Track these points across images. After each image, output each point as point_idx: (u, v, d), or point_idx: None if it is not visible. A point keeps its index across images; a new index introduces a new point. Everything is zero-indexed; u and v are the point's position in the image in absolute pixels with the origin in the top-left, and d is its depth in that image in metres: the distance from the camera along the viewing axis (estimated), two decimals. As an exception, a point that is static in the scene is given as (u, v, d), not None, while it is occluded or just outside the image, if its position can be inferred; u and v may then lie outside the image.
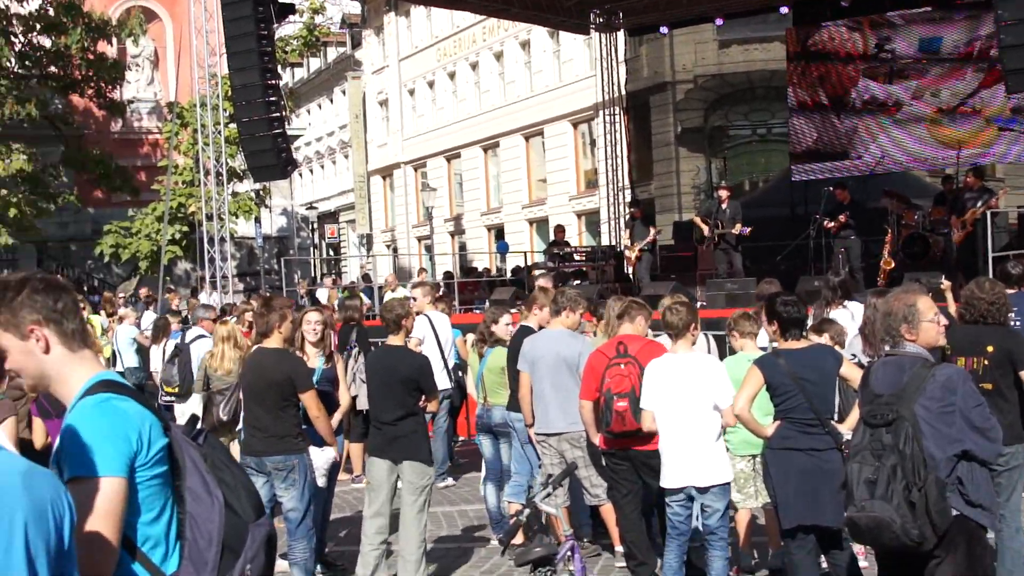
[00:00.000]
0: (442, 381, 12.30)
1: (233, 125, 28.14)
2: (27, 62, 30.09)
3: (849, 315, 10.74)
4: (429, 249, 46.07)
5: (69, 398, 3.35)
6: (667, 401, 7.62)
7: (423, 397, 8.76)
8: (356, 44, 56.45)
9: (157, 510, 3.32)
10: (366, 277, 35.88)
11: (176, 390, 13.27)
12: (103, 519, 3.17)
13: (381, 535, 8.72)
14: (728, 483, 7.69)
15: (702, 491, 7.55)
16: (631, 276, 23.40)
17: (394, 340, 8.98)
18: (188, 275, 35.24)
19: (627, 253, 23.37)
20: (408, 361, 8.83)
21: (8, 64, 28.93)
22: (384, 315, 9.28)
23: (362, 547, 8.81)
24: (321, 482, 8.90)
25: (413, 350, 9.45)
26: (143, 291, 24.35)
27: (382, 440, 8.75)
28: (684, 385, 7.56)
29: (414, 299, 14.52)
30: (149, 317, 22.86)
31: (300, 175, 57.16)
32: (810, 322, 9.00)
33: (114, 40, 32.22)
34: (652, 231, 22.61)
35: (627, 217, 25.77)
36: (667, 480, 7.67)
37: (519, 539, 8.30)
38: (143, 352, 19.37)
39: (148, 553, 3.32)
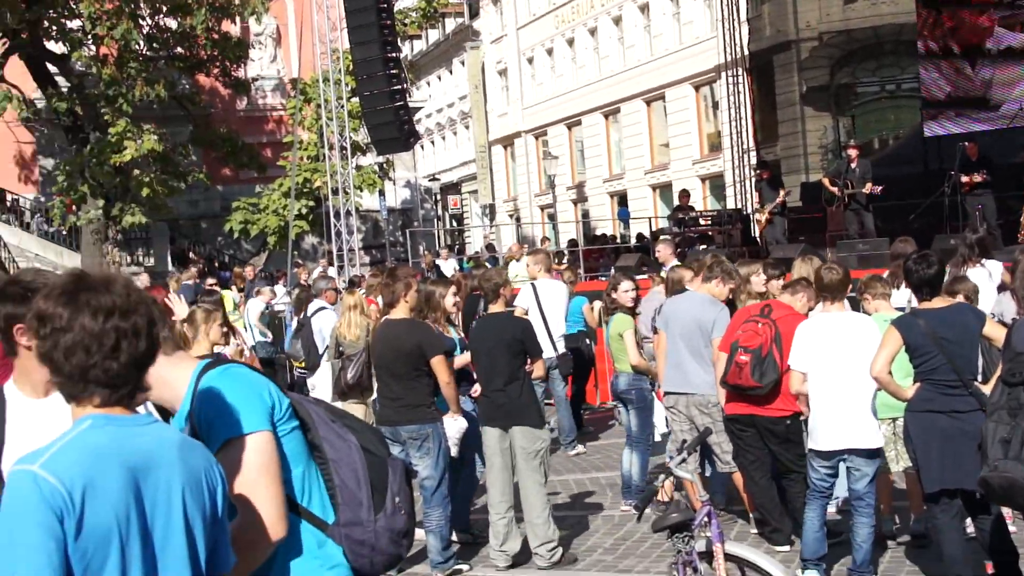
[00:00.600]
0: (546, 350, 12.27)
1: (356, 99, 28.45)
2: (155, 44, 30.70)
3: (987, 274, 10.47)
4: (552, 217, 46.09)
5: (175, 400, 3.40)
6: (822, 362, 7.48)
7: (529, 361, 8.74)
8: (474, 14, 56.56)
9: (303, 463, 3.40)
10: (490, 247, 36.06)
11: (303, 364, 13.46)
12: (262, 473, 3.24)
13: (505, 503, 8.76)
14: (879, 448, 7.56)
15: (853, 455, 7.42)
16: (758, 240, 23.09)
17: (494, 309, 9.05)
18: (315, 249, 35.74)
19: (757, 216, 23.03)
20: (510, 325, 8.86)
21: (137, 47, 29.54)
22: (482, 284, 9.38)
23: (490, 517, 8.88)
24: (453, 451, 8.97)
25: (514, 315, 9.44)
26: (248, 270, 24.71)
27: (491, 408, 8.80)
28: (840, 346, 7.42)
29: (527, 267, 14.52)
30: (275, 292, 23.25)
31: (422, 147, 57.54)
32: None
33: (237, 19, 32.68)
34: (781, 193, 22.15)
35: (755, 179, 25.40)
36: (818, 442, 7.53)
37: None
38: (273, 326, 19.73)
39: (307, 507, 3.40)
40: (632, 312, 10.69)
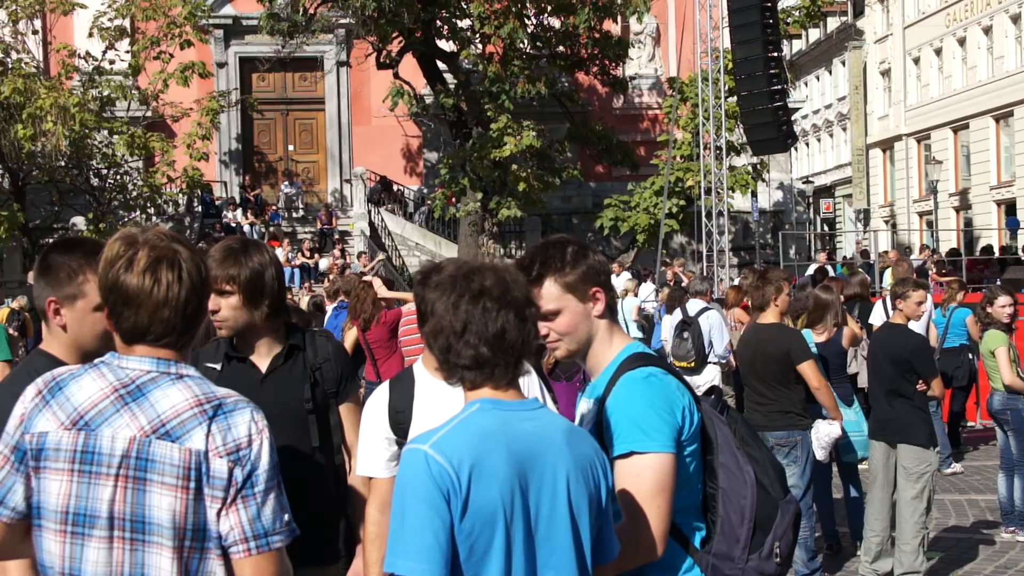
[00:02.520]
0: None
1: (733, 99, 28.28)
2: (538, 42, 31.46)
3: None
4: (931, 225, 44.28)
5: (600, 366, 3.45)
6: None
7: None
8: (858, 12, 55.10)
9: (691, 485, 3.38)
10: (864, 253, 35.01)
11: (691, 364, 13.31)
12: (658, 495, 3.25)
13: (882, 521, 8.53)
14: None
15: None
16: None
17: (896, 320, 8.80)
18: (683, 248, 35.76)
19: None
20: (899, 340, 8.54)
21: (522, 45, 30.40)
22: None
23: (865, 532, 8.66)
24: (821, 455, 8.79)
25: (911, 329, 9.11)
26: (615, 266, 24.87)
27: (874, 422, 8.64)
28: None
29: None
30: (645, 289, 23.51)
31: (796, 149, 56.60)
32: None
33: (619, 18, 33.13)
34: None
35: None
36: None
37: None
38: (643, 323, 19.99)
39: (681, 528, 3.38)
40: (1008, 329, 10.20)
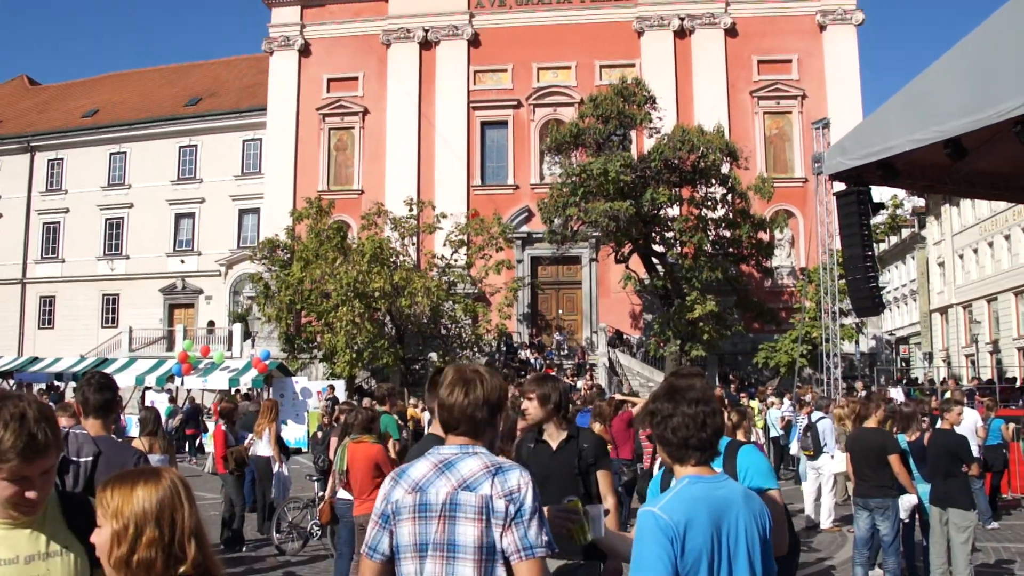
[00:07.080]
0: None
1: (842, 280, 28.00)
2: (716, 246, 31.10)
3: None
4: (974, 363, 42.28)
5: None
6: None
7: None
8: (922, 225, 53.74)
9: None
10: (930, 382, 33.77)
11: (810, 452, 12.47)
12: (783, 515, 3.82)
13: (940, 557, 7.99)
14: None
15: None
16: None
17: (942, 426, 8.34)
18: (810, 377, 34.53)
19: None
20: (949, 438, 8.30)
21: (706, 248, 30.33)
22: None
23: (931, 566, 8.14)
24: (903, 515, 8.26)
25: (955, 432, 8.56)
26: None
27: (933, 492, 8.19)
28: None
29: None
30: (786, 404, 22.94)
31: (883, 313, 54.65)
32: None
33: (768, 230, 32.70)
34: None
35: None
36: None
37: None
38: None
39: None
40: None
